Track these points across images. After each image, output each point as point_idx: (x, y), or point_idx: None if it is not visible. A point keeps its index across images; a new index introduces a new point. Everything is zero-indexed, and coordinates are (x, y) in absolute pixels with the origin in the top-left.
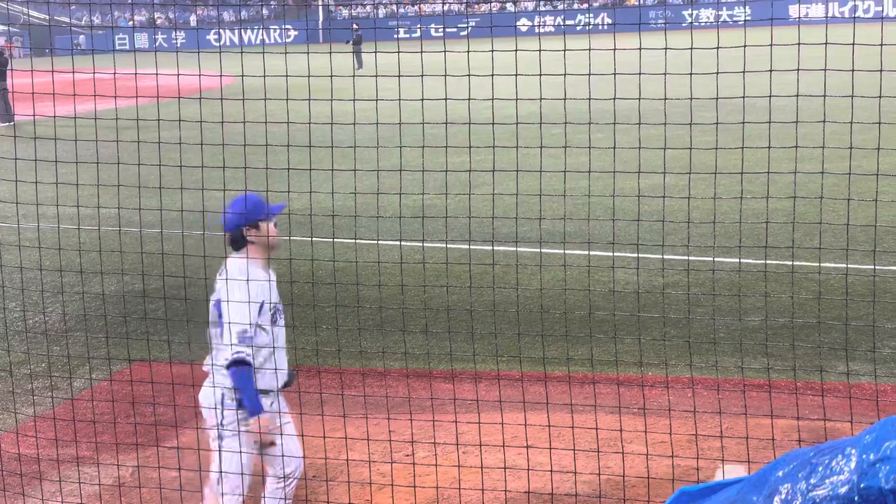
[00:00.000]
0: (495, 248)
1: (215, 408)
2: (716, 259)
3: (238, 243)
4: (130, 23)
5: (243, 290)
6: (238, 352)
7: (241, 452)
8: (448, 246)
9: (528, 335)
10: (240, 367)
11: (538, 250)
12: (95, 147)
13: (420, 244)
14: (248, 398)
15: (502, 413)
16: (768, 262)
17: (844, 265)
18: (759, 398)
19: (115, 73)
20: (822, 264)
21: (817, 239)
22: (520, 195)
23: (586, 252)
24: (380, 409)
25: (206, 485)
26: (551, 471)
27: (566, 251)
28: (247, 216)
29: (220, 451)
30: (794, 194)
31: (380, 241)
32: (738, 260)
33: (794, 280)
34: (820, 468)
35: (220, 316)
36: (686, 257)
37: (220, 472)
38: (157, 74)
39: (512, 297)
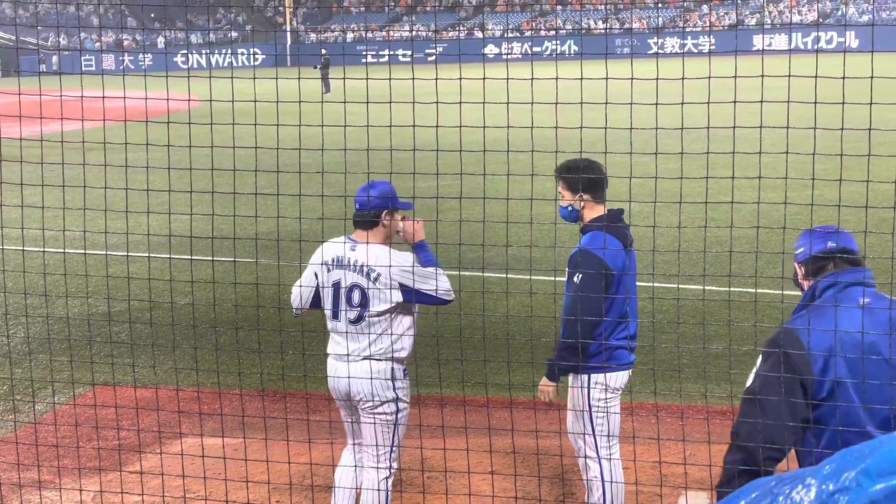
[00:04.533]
0: (462, 273)
1: (393, 383)
2: (680, 286)
3: (369, 224)
4: (97, 44)
5: (415, 267)
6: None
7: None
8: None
9: (493, 361)
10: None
11: (504, 276)
12: (61, 169)
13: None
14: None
15: (467, 438)
16: (732, 289)
17: None
18: (722, 425)
19: (82, 95)
20: (784, 292)
21: (780, 267)
22: (486, 221)
23: (552, 278)
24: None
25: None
26: (515, 497)
27: (532, 277)
28: (391, 201)
29: (397, 425)
30: (758, 223)
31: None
32: (702, 287)
33: (758, 308)
34: (780, 498)
35: (406, 297)
36: (651, 284)
37: (399, 445)
38: (124, 97)
39: (478, 322)
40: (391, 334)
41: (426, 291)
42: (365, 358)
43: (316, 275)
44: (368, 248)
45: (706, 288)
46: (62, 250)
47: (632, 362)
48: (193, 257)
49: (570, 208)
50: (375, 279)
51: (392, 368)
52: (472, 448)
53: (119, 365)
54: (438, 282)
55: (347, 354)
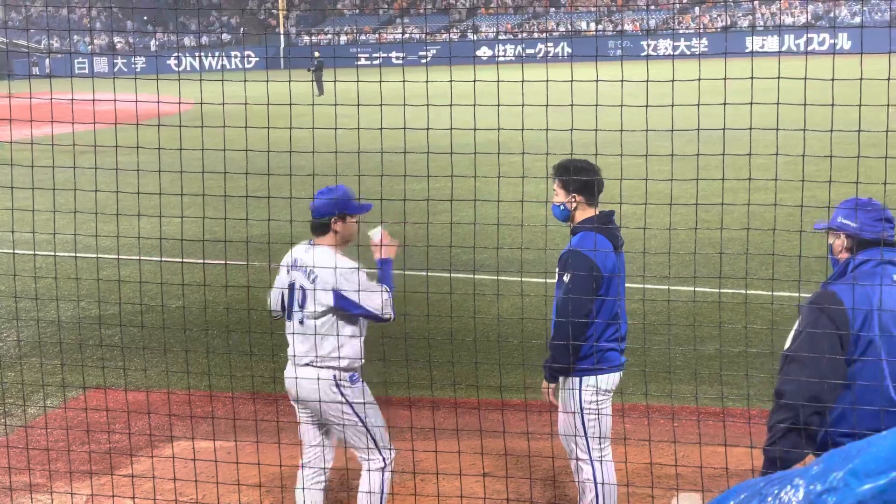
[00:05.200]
0: (453, 275)
1: (339, 388)
2: (671, 288)
3: (321, 230)
4: (90, 47)
5: (356, 276)
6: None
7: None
8: (406, 273)
9: (485, 363)
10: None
11: (496, 278)
12: (52, 172)
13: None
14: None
15: (459, 441)
16: (723, 291)
17: (797, 294)
18: (714, 426)
19: (72, 98)
20: (774, 293)
21: (771, 269)
22: (478, 223)
23: (543, 280)
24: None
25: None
26: (507, 499)
27: (523, 279)
28: (340, 207)
29: (367, 426)
30: (748, 225)
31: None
32: (693, 289)
33: (749, 309)
34: (769, 499)
35: (338, 302)
36: (642, 286)
37: (387, 447)
38: (115, 100)
39: (470, 324)
40: (336, 336)
41: (358, 302)
42: (308, 362)
43: (279, 277)
44: (315, 251)
45: (697, 290)
46: (53, 253)
47: (623, 364)
48: (185, 260)
49: (562, 207)
50: (313, 281)
51: (335, 374)
52: (464, 450)
53: (110, 368)
54: (377, 297)
55: (294, 356)
